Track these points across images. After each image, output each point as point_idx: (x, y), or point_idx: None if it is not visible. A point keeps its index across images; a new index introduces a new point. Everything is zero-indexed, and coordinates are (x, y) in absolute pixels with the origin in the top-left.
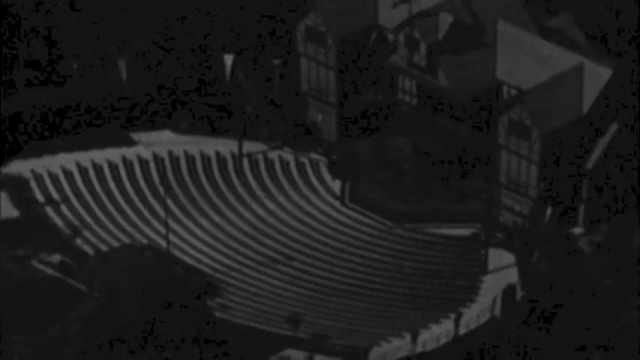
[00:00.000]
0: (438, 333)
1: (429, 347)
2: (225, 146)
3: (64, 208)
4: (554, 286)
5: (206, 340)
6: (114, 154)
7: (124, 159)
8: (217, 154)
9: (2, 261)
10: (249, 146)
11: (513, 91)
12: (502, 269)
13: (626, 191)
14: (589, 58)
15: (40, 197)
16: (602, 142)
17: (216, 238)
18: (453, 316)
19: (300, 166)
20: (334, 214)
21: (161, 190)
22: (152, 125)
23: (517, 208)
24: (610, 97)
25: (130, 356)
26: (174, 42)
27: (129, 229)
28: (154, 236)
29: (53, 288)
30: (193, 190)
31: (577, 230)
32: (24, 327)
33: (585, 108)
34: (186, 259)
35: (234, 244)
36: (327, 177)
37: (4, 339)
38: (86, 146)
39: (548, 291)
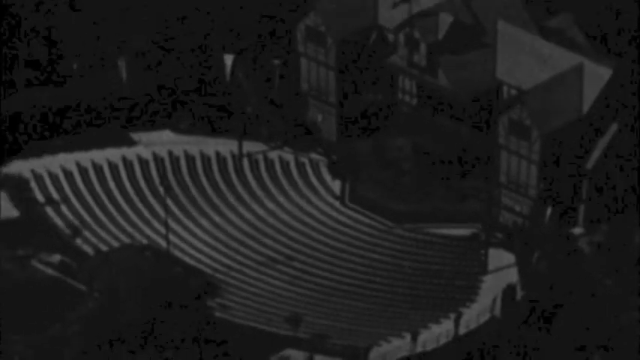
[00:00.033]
0: (438, 333)
1: (429, 347)
2: (225, 146)
3: (64, 208)
4: (554, 286)
5: (206, 340)
6: (114, 154)
7: (124, 159)
8: (217, 154)
9: (2, 261)
10: (249, 146)
11: (513, 91)
12: (502, 269)
13: (626, 191)
14: (589, 58)
15: (40, 197)
16: (602, 142)
17: (216, 238)
18: (453, 316)
19: (300, 166)
20: (334, 214)
21: (161, 190)
22: (152, 125)
23: (517, 208)
24: (610, 97)
25: (130, 356)
26: (174, 42)
27: (129, 229)
28: (154, 236)
29: (53, 288)
30: (193, 190)
31: (577, 230)
32: (24, 327)
33: (585, 108)
34: (187, 259)
35: (234, 244)
36: (327, 177)
37: (5, 339)
38: (86, 146)
39: (548, 291)
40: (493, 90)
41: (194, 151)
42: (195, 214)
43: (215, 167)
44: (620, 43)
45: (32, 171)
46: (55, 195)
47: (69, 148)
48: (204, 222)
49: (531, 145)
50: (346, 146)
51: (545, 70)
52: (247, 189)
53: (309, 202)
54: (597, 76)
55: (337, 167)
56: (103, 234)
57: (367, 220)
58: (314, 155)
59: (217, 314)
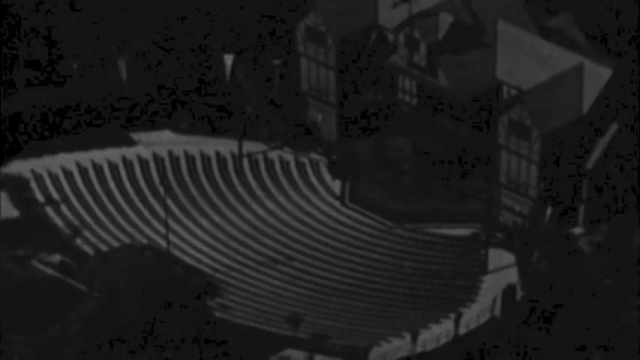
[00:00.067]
0: (438, 333)
1: (429, 347)
2: (225, 146)
3: (64, 208)
4: (554, 286)
5: (206, 340)
6: (114, 154)
7: (124, 159)
8: (217, 154)
9: (2, 261)
10: (249, 146)
11: (513, 91)
12: (502, 269)
13: (626, 191)
14: (589, 58)
15: (40, 197)
16: (602, 142)
17: (216, 238)
18: (453, 316)
19: (300, 166)
20: (334, 214)
21: (161, 190)
22: (152, 125)
23: (517, 208)
24: (610, 97)
25: (130, 356)
26: (174, 42)
27: (129, 229)
28: (153, 236)
29: (53, 288)
30: (193, 190)
31: (577, 230)
32: (24, 327)
33: (585, 108)
34: (186, 259)
35: (234, 244)
36: (327, 177)
37: (5, 339)
38: (86, 146)
39: (548, 291)
40: (493, 90)
41: (194, 151)
42: (195, 214)
43: (215, 167)
44: (620, 43)
45: (32, 171)
46: (55, 195)
47: (69, 148)
48: (204, 222)
49: (531, 145)
50: (346, 146)
51: (545, 70)
52: (247, 189)
53: (309, 202)
54: (597, 76)
55: (337, 167)
56: (103, 234)
57: (367, 220)
58: (314, 155)
59: (217, 314)
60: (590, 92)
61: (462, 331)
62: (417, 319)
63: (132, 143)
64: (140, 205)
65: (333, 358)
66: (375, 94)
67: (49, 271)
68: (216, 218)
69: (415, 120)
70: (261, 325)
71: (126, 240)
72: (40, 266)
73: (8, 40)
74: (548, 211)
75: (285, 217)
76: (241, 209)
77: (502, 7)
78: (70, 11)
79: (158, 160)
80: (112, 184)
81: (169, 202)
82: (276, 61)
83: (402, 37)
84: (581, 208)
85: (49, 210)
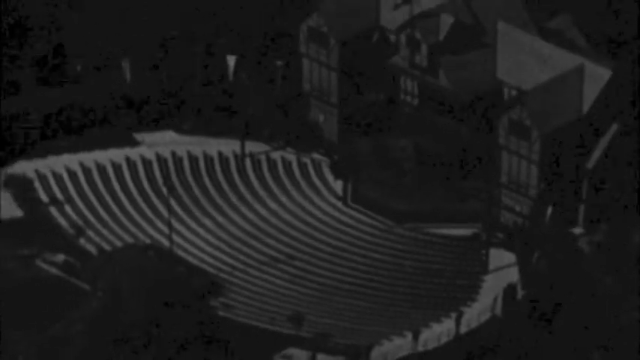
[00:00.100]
0: (439, 332)
1: (431, 346)
2: (228, 146)
3: (67, 208)
4: (555, 286)
5: (209, 340)
6: (117, 154)
7: (128, 159)
8: (220, 154)
9: (6, 260)
10: (251, 146)
11: (513, 92)
12: (503, 269)
13: (626, 191)
14: (589, 59)
15: (44, 197)
16: (603, 142)
17: (219, 238)
18: (454, 315)
19: (302, 167)
20: (336, 214)
21: (164, 190)
22: (155, 126)
23: (517, 208)
24: (610, 97)
25: (133, 356)
26: (178, 42)
27: (132, 228)
28: (157, 236)
29: (57, 287)
30: (196, 190)
31: (577, 230)
32: (28, 326)
33: (585, 108)
34: (190, 258)
35: (237, 244)
36: (329, 177)
37: (8, 338)
38: (90, 147)
39: (548, 290)
40: (493, 90)
41: (197, 151)
42: (198, 214)
43: (218, 167)
44: (620, 43)
45: (36, 171)
46: (59, 195)
47: (73, 149)
48: (207, 222)
49: (531, 145)
50: (348, 146)
51: (545, 71)
52: (250, 189)
53: (311, 202)
54: (597, 76)
55: (339, 167)
56: (107, 234)
57: (369, 220)
58: (316, 155)
59: (220, 313)
60: (590, 93)
61: (463, 330)
62: (418, 318)
63: (135, 144)
64: (143, 205)
65: (336, 356)
66: (377, 94)
67: (53, 270)
68: (219, 218)
69: (416, 120)
70: (263, 324)
71: (129, 240)
72: (44, 266)
73: (13, 39)
74: (549, 211)
75: (287, 217)
76: (244, 209)
77: (502, 7)
78: (75, 12)
79: (161, 160)
80: (115, 184)
81: (172, 202)
82: (279, 62)
83: (403, 38)
84: (581, 208)
85: (53, 210)
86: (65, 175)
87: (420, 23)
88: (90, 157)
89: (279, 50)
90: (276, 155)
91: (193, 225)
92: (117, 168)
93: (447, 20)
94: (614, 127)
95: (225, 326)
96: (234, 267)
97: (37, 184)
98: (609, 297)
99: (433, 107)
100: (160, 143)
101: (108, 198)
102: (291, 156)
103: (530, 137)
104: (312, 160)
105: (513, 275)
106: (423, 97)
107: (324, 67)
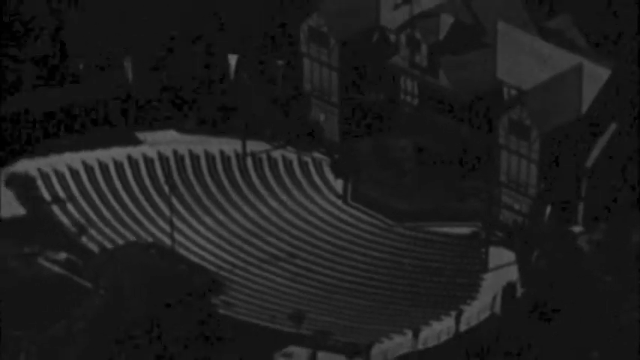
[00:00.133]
0: (439, 330)
1: (430, 344)
2: (229, 145)
3: (70, 207)
4: (554, 284)
5: (210, 337)
6: (119, 153)
7: (130, 158)
8: (221, 153)
9: (9, 259)
10: (252, 145)
11: (513, 91)
12: (502, 267)
13: (626, 190)
14: (588, 59)
15: (46, 195)
16: (602, 141)
17: (220, 236)
18: (454, 313)
19: (303, 165)
20: (337, 212)
21: (166, 188)
22: (157, 125)
23: (517, 207)
24: (609, 96)
25: (134, 353)
26: (179, 42)
27: (134, 227)
28: (158, 234)
29: (59, 285)
30: (198, 189)
31: (576, 228)
32: (30, 324)
33: (584, 108)
34: (191, 256)
35: (238, 242)
36: (330, 176)
37: (11, 336)
38: (92, 145)
39: (547, 289)
40: (493, 90)
41: (199, 150)
42: (199, 212)
43: (219, 166)
44: (620, 43)
45: (39, 169)
46: (61, 193)
47: (75, 147)
48: (208, 220)
49: (531, 145)
50: (348, 146)
51: (544, 71)
52: (251, 188)
53: (311, 200)
54: (596, 76)
55: (340, 166)
56: (109, 232)
57: (369, 219)
58: (317, 154)
59: (221, 311)
60: (589, 92)
61: (463, 328)
62: (418, 317)
63: (137, 142)
64: (145, 204)
65: (336, 354)
66: (377, 94)
67: (55, 268)
68: (221, 216)
69: (416, 120)
70: (264, 322)
71: (131, 238)
72: (46, 264)
73: (16, 38)
74: (548, 209)
75: (288, 216)
76: (245, 208)
77: (502, 7)
78: (77, 11)
79: (163, 159)
80: (117, 183)
81: (174, 200)
82: (280, 62)
83: (403, 38)
84: (581, 207)
85: (55, 208)
86: (67, 174)
87: (420, 23)
88: (92, 156)
89: (280, 50)
90: (277, 154)
91: (195, 223)
92: (119, 166)
93: (446, 20)
94: (613, 126)
95: (226, 324)
96: (235, 265)
97: (39, 183)
98: (609, 295)
99: (433, 107)
100: (161, 142)
101: (110, 196)
102: (292, 155)
103: (530, 137)
104: (313, 159)
105: (513, 274)
106: (423, 97)
107: (324, 67)
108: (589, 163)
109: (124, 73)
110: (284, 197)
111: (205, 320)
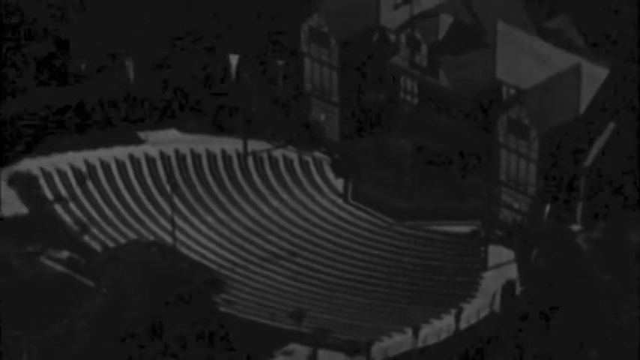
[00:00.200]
0: (439, 328)
1: (430, 342)
2: (231, 145)
3: (72, 206)
4: (553, 283)
5: (211, 335)
6: (121, 152)
7: (132, 157)
8: (223, 152)
9: (11, 257)
10: (253, 145)
11: (512, 91)
12: (502, 266)
13: (625, 189)
14: (587, 59)
15: (48, 194)
16: (600, 141)
17: (221, 235)
18: (453, 311)
19: (303, 165)
20: (337, 211)
21: (168, 187)
22: (159, 124)
23: (516, 206)
24: (607, 96)
25: (136, 351)
26: (181, 42)
27: (136, 225)
28: (160, 233)
29: (61, 284)
30: (199, 188)
31: (575, 227)
32: (32, 323)
33: (583, 107)
34: (192, 255)
35: (239, 241)
36: (330, 175)
37: (13, 334)
38: (94, 145)
39: (547, 287)
40: (493, 90)
41: (200, 149)
42: (200, 211)
43: (220, 165)
44: (620, 43)
45: (41, 169)
46: (64, 192)
47: (77, 147)
48: (209, 219)
49: (530, 144)
50: (349, 145)
51: (543, 70)
52: (252, 187)
53: (312, 199)
54: (594, 75)
55: (340, 165)
56: (111, 231)
57: (369, 217)
58: (317, 154)
59: (222, 309)
60: (588, 92)
61: (463, 326)
62: (418, 315)
63: (139, 142)
64: (147, 203)
65: (336, 352)
66: (378, 94)
67: (58, 267)
68: (222, 215)
69: (416, 120)
70: (265, 320)
71: (133, 236)
72: (49, 262)
73: (18, 39)
74: (547, 208)
75: (288, 215)
76: (246, 206)
77: (502, 7)
78: (79, 11)
79: (165, 158)
80: (119, 182)
81: (176, 199)
82: (280, 62)
83: (403, 38)
84: (580, 206)
85: (58, 207)
86: (70, 173)
87: (420, 23)
88: (94, 155)
89: (280, 50)
90: (277, 153)
91: (196, 222)
92: (121, 166)
93: (446, 20)
94: (612, 125)
95: (227, 322)
96: (236, 263)
97: (41, 182)
98: (608, 294)
99: (433, 107)
100: (163, 141)
101: (112, 195)
102: (292, 154)
103: (529, 136)
104: (314, 159)
105: (512, 272)
106: (423, 97)
107: (325, 67)
108: (588, 161)
109: (125, 73)
110: (285, 196)
111: (206, 318)
